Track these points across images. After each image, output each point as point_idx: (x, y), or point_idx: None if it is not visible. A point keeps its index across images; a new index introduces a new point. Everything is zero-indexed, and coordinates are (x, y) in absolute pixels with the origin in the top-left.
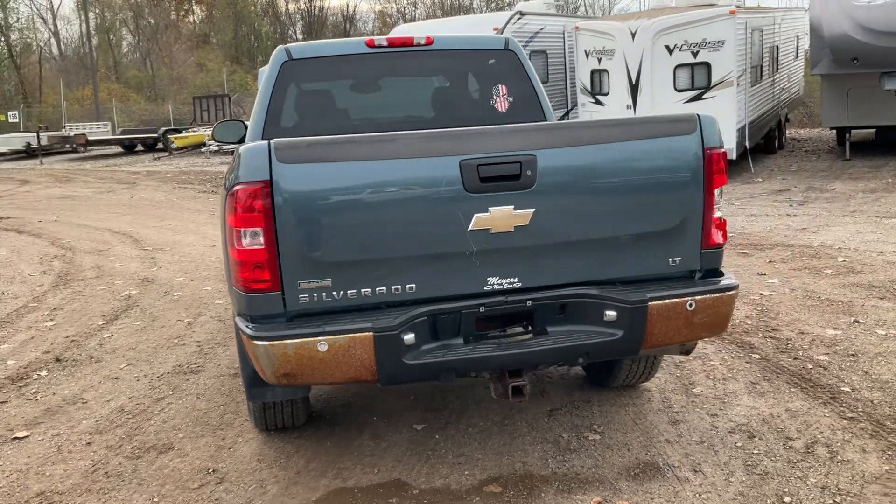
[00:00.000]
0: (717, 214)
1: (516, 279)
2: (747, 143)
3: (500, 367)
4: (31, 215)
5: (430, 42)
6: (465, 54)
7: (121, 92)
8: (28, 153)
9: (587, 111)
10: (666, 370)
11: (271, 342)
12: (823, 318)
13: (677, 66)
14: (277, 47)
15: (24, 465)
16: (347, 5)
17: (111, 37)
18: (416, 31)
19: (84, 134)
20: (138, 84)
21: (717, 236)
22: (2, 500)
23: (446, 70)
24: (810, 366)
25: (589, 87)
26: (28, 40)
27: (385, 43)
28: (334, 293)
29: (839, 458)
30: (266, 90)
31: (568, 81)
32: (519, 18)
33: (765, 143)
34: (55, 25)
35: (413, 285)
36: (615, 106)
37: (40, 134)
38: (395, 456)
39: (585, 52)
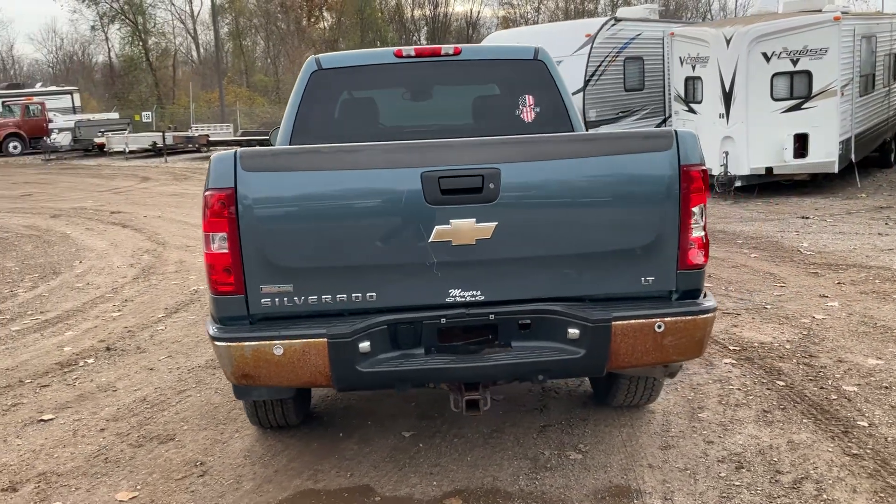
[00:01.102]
0: (697, 234)
1: (479, 292)
2: (853, 157)
3: (454, 380)
4: (140, 210)
5: (458, 52)
6: (493, 64)
7: (246, 95)
8: (155, 152)
9: (680, 119)
10: (679, 392)
11: (229, 343)
12: (870, 346)
13: (775, 75)
14: (309, 57)
15: (38, 446)
16: (471, 11)
17: (244, 42)
18: (508, 38)
19: (207, 134)
20: (264, 87)
21: (695, 256)
22: (6, 477)
23: (473, 80)
24: (834, 396)
25: (683, 95)
26: (166, 45)
27: (413, 53)
28: (296, 298)
29: (824, 496)
30: (295, 99)
31: (666, 89)
32: (613, 24)
33: (879, 156)
34: (195, 30)
35: (373, 294)
36: (708, 115)
37: (166, 134)
38: (374, 462)
39: (680, 58)
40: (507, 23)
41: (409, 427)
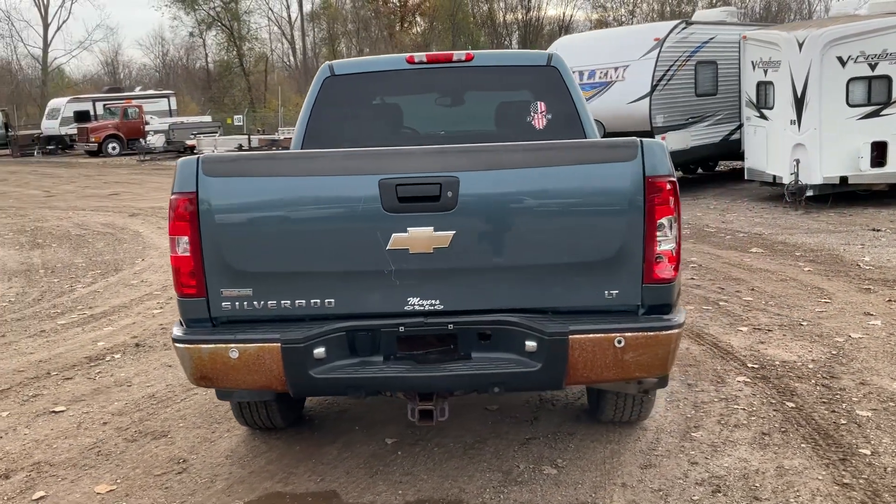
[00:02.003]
0: (665, 247)
1: (438, 301)
2: None
3: (408, 390)
4: None
5: (469, 58)
6: (505, 71)
7: None
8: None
9: (751, 125)
10: (679, 409)
11: (187, 345)
12: None
13: (851, 80)
14: (324, 64)
15: (42, 437)
16: (563, 14)
17: (337, 47)
18: (573, 43)
19: (290, 138)
20: None
21: (662, 271)
22: (3, 465)
23: (486, 86)
24: (843, 421)
25: (754, 101)
26: (260, 50)
27: (425, 59)
28: (255, 303)
29: None
30: (308, 104)
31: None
32: (684, 28)
33: None
34: (291, 35)
35: (332, 300)
36: (779, 121)
37: (252, 137)
38: (348, 468)
39: (752, 62)
40: (600, 26)
41: (395, 434)
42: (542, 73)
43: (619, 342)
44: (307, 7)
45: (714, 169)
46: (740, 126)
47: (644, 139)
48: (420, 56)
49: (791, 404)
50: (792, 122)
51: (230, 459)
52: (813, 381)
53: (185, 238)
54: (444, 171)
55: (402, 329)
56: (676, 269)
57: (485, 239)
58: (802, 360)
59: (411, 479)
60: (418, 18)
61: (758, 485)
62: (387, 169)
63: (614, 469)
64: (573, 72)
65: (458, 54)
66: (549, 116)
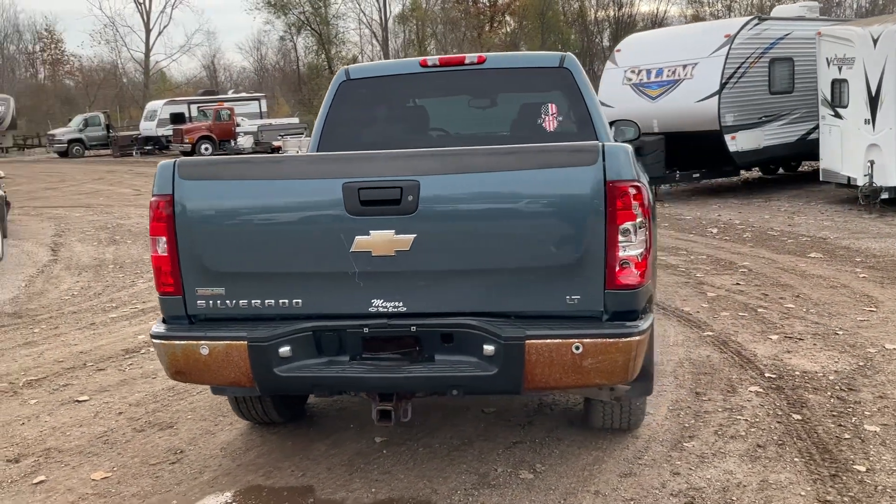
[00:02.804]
0: (629, 253)
1: (401, 303)
2: None
3: (367, 390)
4: None
5: (482, 61)
6: (517, 73)
7: None
8: None
9: (826, 125)
10: (679, 418)
11: (163, 341)
12: None
13: None
14: (341, 68)
15: (60, 424)
16: (657, 10)
17: (426, 49)
18: (644, 40)
19: None
20: None
21: (627, 277)
22: (17, 450)
23: (498, 89)
24: (847, 435)
25: (829, 99)
26: (347, 53)
27: (438, 63)
28: (228, 302)
29: None
30: (324, 107)
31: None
32: (757, 24)
33: None
34: (384, 38)
35: (300, 301)
36: (853, 120)
37: None
38: (331, 464)
39: (826, 59)
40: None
41: (385, 433)
42: (555, 76)
43: (577, 348)
44: (396, 9)
45: (797, 170)
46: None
47: (606, 143)
48: (433, 59)
49: (797, 416)
50: (866, 122)
51: (224, 452)
52: (829, 393)
53: (164, 238)
54: (405, 175)
55: (366, 330)
56: (644, 275)
57: (446, 242)
58: (825, 371)
59: (388, 478)
60: (508, 18)
61: (735, 498)
62: (350, 173)
63: (592, 476)
64: (639, 70)
65: (471, 57)
66: (561, 118)
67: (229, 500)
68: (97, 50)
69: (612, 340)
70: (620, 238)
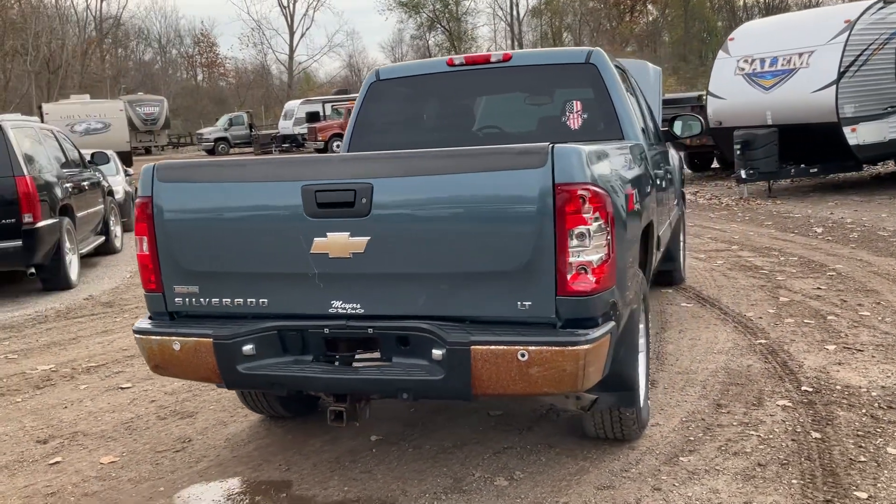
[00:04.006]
0: (582, 258)
1: (359, 305)
2: None
3: (321, 390)
4: None
5: (507, 58)
6: (543, 70)
7: None
8: None
9: None
10: (688, 431)
11: (141, 336)
12: None
13: None
14: (372, 70)
15: (97, 409)
16: None
17: (561, 41)
18: (761, 27)
19: None
20: None
21: (579, 283)
22: (50, 432)
23: (522, 86)
24: (863, 458)
25: None
26: (476, 49)
27: (464, 61)
28: (202, 300)
29: None
30: (356, 108)
31: None
32: (881, 7)
33: None
34: (520, 32)
35: (265, 300)
36: None
37: None
38: (318, 461)
39: None
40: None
41: (385, 432)
42: (580, 72)
43: (523, 356)
44: (532, 1)
45: None
46: None
47: (557, 145)
48: (459, 58)
49: (817, 434)
50: None
51: (227, 443)
52: (864, 411)
53: (145, 238)
54: (359, 178)
55: (327, 331)
56: (602, 281)
57: (399, 245)
58: (870, 386)
59: (366, 478)
60: (649, 7)
61: None
62: (308, 175)
63: (568, 487)
64: (752, 59)
65: (497, 55)
66: (586, 116)
67: (211, 490)
68: (245, 53)
69: (557, 349)
70: (572, 243)
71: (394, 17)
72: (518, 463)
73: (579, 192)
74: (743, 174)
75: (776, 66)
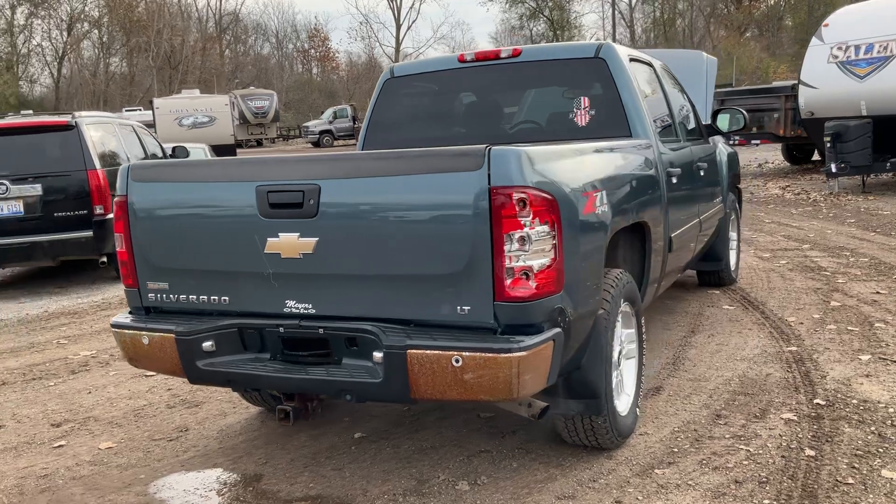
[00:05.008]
0: (521, 263)
1: (310, 305)
2: None
3: (268, 388)
4: None
5: (517, 53)
6: (552, 65)
7: None
8: None
9: None
10: (674, 442)
11: (116, 330)
12: None
13: None
14: (387, 67)
15: (116, 396)
16: None
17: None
18: (853, 13)
19: None
20: None
21: (517, 288)
22: (66, 416)
23: (532, 82)
24: (851, 481)
25: None
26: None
27: (474, 57)
28: (171, 296)
29: None
30: (371, 105)
31: None
32: None
33: None
34: (631, 19)
35: (227, 298)
36: None
37: None
38: (297, 456)
39: None
40: None
41: (370, 429)
42: (589, 66)
43: (457, 361)
44: None
45: None
46: None
47: (494, 147)
48: (470, 54)
49: (811, 452)
50: None
51: (219, 434)
52: (873, 428)
53: (121, 235)
54: (307, 180)
55: (282, 330)
56: (544, 287)
57: (345, 246)
58: (891, 402)
59: (334, 475)
60: None
61: None
62: (262, 176)
63: (529, 495)
64: (847, 46)
65: (506, 50)
66: (593, 112)
67: (186, 480)
68: (353, 46)
69: (490, 355)
70: (510, 248)
71: (495, 8)
72: (488, 467)
73: (516, 196)
74: (833, 168)
75: (871, 53)
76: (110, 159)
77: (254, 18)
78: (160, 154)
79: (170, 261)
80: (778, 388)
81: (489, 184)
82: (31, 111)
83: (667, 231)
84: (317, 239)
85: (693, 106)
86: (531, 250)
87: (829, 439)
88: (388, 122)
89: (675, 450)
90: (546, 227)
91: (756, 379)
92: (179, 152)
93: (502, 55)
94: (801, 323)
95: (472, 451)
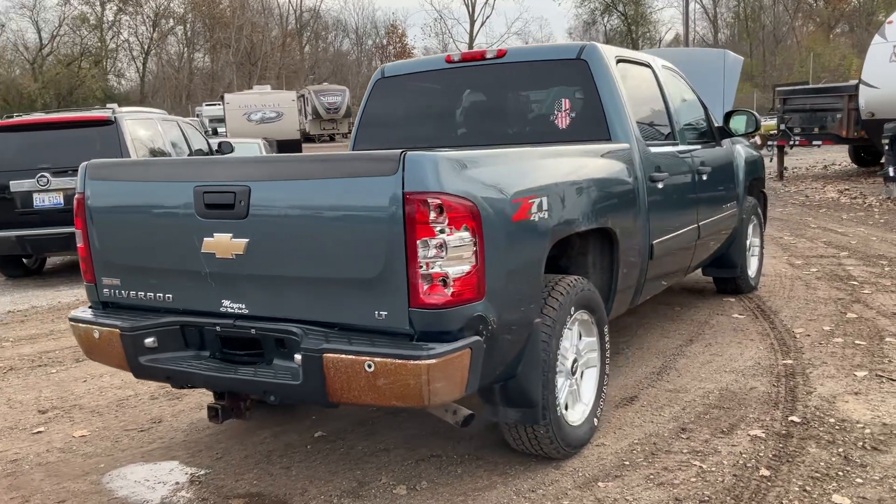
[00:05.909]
0: (437, 270)
1: (243, 305)
2: None
3: (202, 386)
4: None
5: (501, 55)
6: (535, 66)
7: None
8: None
9: None
10: (628, 455)
11: (72, 323)
12: None
13: None
14: (379, 67)
15: (107, 385)
16: None
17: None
18: None
19: None
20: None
21: (433, 296)
22: (55, 403)
23: (515, 83)
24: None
25: None
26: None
27: (460, 57)
28: (122, 292)
29: None
30: (362, 105)
31: None
32: None
33: None
34: (715, 17)
35: (170, 296)
36: None
37: None
38: (252, 453)
39: None
40: None
41: (333, 430)
42: (571, 68)
43: (370, 366)
44: None
45: None
46: None
47: (409, 152)
48: (456, 54)
49: (766, 472)
50: None
51: (188, 427)
52: (840, 450)
53: (80, 231)
54: (238, 181)
55: (218, 329)
56: (461, 294)
57: (273, 248)
58: (870, 422)
59: (281, 474)
60: None
61: None
62: (199, 176)
63: (463, 502)
64: None
65: (491, 51)
66: (574, 115)
67: (141, 472)
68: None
69: (400, 362)
70: (425, 254)
71: (568, 3)
72: (433, 472)
73: (430, 202)
74: (891, 172)
75: None
76: (151, 154)
77: (333, 14)
78: (205, 149)
79: (121, 257)
80: (757, 403)
81: (403, 189)
82: (115, 105)
83: (647, 238)
84: (247, 240)
85: (705, 108)
86: (448, 257)
87: (790, 459)
88: (379, 122)
89: (627, 463)
90: (466, 234)
91: (737, 392)
92: (225, 147)
93: (487, 56)
94: (808, 335)
95: (422, 455)
